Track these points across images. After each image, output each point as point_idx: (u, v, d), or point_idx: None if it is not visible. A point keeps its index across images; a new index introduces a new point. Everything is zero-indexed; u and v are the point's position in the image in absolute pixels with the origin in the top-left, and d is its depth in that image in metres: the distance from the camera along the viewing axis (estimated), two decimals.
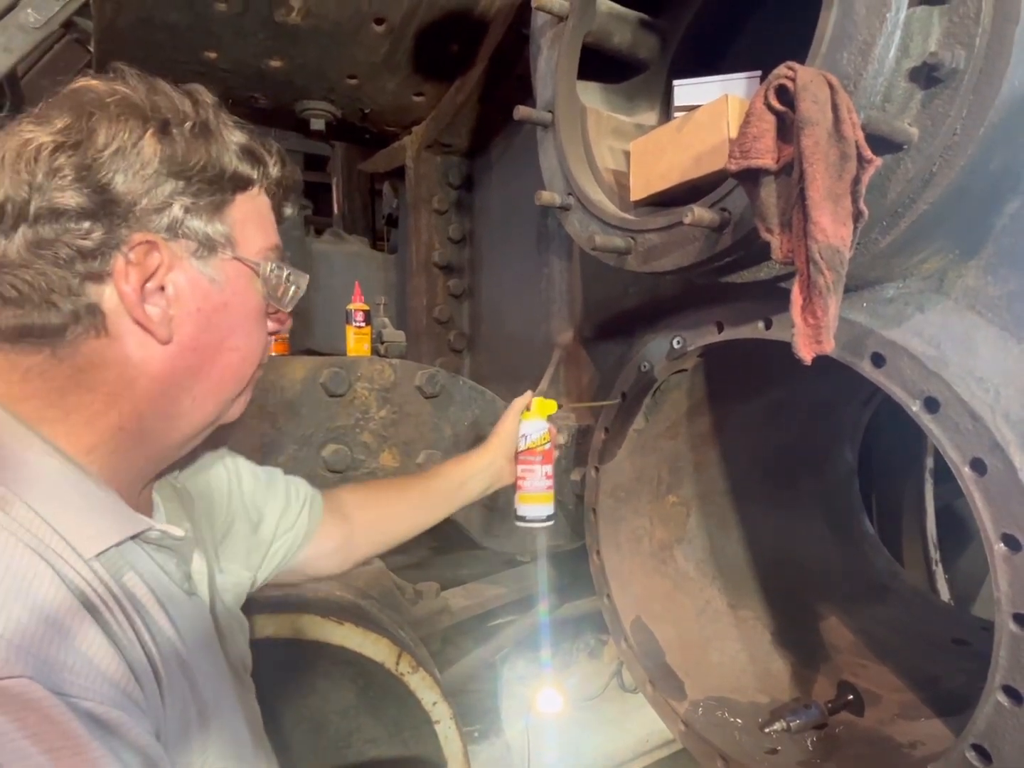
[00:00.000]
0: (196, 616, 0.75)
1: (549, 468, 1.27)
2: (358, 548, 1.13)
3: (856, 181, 0.69)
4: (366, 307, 1.64)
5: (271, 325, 0.81)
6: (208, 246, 0.68)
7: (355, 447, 1.48)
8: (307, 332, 2.41)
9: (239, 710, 0.78)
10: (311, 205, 3.37)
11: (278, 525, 0.97)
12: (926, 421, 0.94)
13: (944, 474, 2.24)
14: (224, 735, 0.71)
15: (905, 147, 0.83)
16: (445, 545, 2.33)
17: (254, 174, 0.72)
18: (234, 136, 0.71)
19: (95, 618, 0.56)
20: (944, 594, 2.20)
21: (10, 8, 1.72)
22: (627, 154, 1.20)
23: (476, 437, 1.61)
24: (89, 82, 0.66)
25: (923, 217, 0.88)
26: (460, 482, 1.24)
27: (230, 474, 0.92)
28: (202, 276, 0.68)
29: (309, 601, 1.29)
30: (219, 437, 0.81)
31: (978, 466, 0.88)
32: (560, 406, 1.33)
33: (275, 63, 1.98)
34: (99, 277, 0.62)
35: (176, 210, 0.65)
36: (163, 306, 0.66)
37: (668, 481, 1.61)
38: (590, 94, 1.31)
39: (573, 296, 1.77)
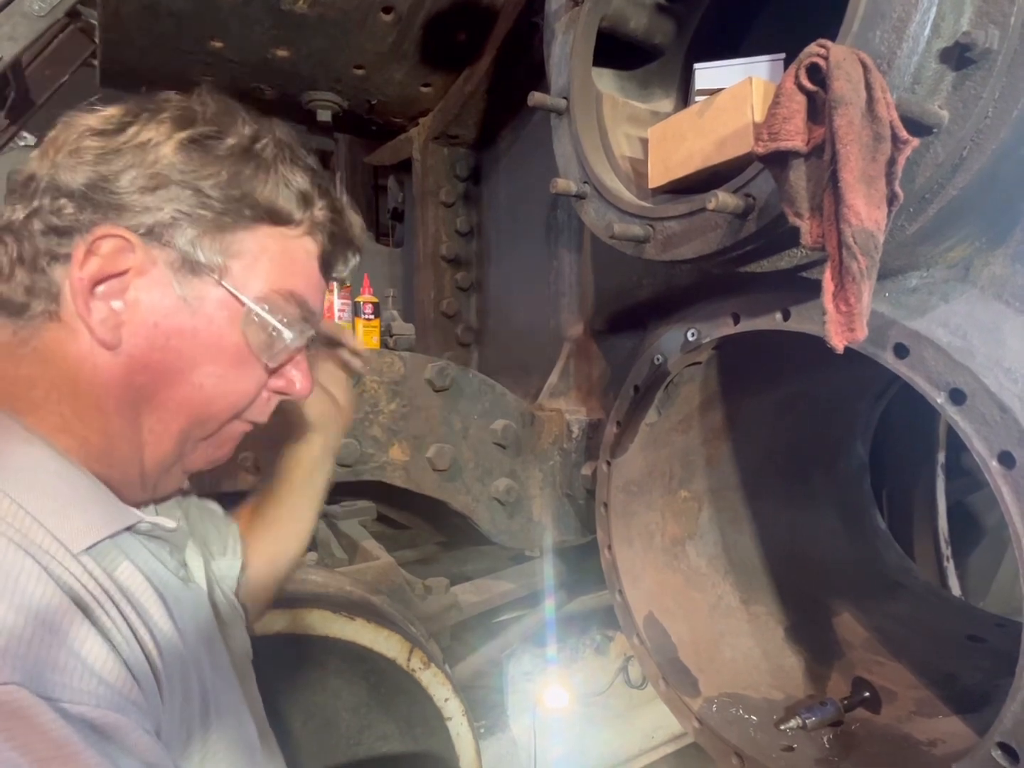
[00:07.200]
0: (195, 606, 0.73)
1: None
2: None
3: (891, 162, 0.67)
4: (375, 300, 1.62)
5: (275, 383, 0.74)
6: (191, 263, 0.64)
7: (364, 441, 1.46)
8: None
9: (244, 701, 0.76)
10: None
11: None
12: (951, 413, 0.92)
13: (956, 470, 2.23)
14: (228, 728, 0.69)
15: (935, 130, 0.81)
16: (452, 540, 2.32)
17: (294, 212, 0.69)
18: (290, 172, 0.69)
19: (87, 616, 0.53)
20: (955, 590, 2.18)
21: None
22: (643, 141, 1.18)
23: (488, 430, 1.59)
24: (174, 93, 0.68)
25: (952, 203, 0.86)
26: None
27: None
28: (173, 291, 0.64)
29: (320, 596, 1.28)
30: None
31: (1006, 459, 0.86)
32: None
33: (281, 53, 1.96)
34: (61, 258, 0.62)
35: (164, 215, 0.62)
36: (118, 308, 0.62)
37: (680, 476, 1.60)
38: (604, 80, 1.29)
39: (583, 288, 1.75)
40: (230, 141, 0.65)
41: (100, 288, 0.62)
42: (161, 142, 0.63)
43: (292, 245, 0.70)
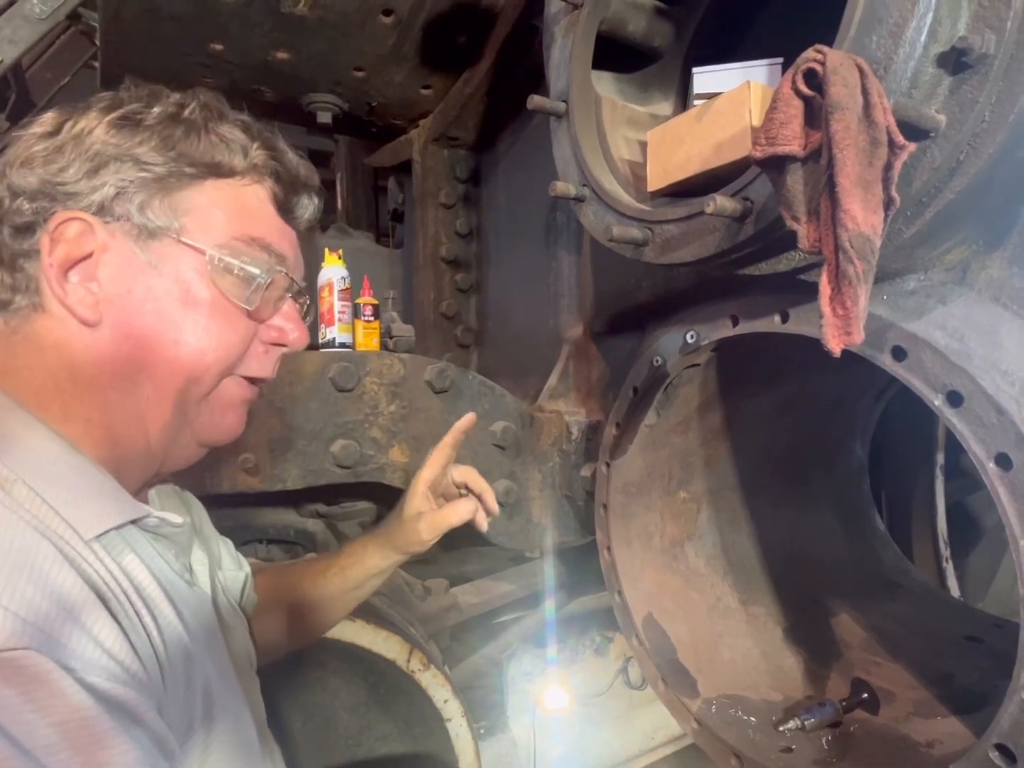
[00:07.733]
0: (199, 607, 0.74)
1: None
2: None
3: (887, 167, 0.68)
4: (375, 301, 1.62)
5: (268, 333, 0.76)
6: (147, 228, 0.67)
7: (364, 442, 1.47)
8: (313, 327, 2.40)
9: (244, 704, 0.77)
10: None
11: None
12: (949, 415, 0.92)
13: (955, 471, 2.23)
14: (228, 728, 0.70)
15: (932, 135, 0.81)
16: (451, 541, 2.32)
17: (234, 162, 0.71)
18: (220, 126, 0.71)
19: (100, 598, 0.56)
20: (954, 591, 2.19)
21: None
22: (642, 144, 1.18)
23: (487, 431, 1.59)
24: (104, 93, 0.71)
25: (948, 207, 0.86)
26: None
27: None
28: (137, 258, 0.67)
29: None
30: None
31: (1003, 461, 0.87)
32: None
33: (281, 55, 1.96)
34: (32, 254, 0.66)
35: (109, 189, 0.65)
36: (93, 288, 0.66)
37: (679, 477, 1.60)
38: (603, 84, 1.29)
39: (583, 290, 1.76)
40: (156, 110, 0.69)
41: (73, 273, 0.66)
42: (93, 127, 0.66)
43: (242, 193, 0.72)
